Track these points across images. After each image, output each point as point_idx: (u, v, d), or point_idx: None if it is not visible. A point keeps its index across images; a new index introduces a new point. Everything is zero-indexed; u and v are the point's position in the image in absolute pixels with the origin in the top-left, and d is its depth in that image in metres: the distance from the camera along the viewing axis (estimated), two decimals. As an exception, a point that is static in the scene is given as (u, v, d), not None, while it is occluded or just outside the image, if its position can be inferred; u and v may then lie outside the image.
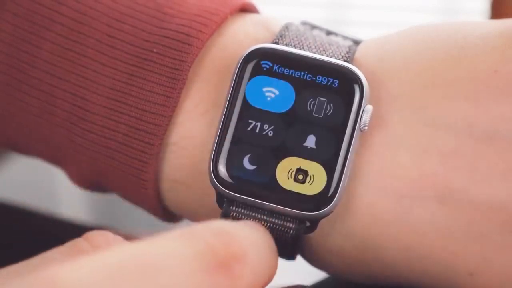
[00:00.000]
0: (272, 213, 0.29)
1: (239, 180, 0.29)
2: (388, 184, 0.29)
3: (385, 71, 0.30)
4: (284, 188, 0.29)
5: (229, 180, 0.29)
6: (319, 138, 0.29)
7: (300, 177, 0.29)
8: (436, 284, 0.30)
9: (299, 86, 0.30)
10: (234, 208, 0.30)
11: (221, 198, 0.30)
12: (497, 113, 0.28)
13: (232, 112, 0.30)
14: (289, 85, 0.30)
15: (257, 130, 0.29)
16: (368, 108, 0.29)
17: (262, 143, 0.29)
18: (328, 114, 0.29)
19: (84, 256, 0.22)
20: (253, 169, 0.29)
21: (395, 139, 0.29)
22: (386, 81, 0.30)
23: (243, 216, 0.30)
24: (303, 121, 0.29)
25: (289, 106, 0.30)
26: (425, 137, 0.29)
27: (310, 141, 0.29)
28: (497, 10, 1.00)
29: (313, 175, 0.29)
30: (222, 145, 0.29)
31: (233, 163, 0.29)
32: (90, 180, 0.33)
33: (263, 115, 0.30)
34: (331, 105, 0.29)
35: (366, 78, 0.29)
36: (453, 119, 0.28)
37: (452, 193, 0.28)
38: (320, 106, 0.29)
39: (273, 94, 0.30)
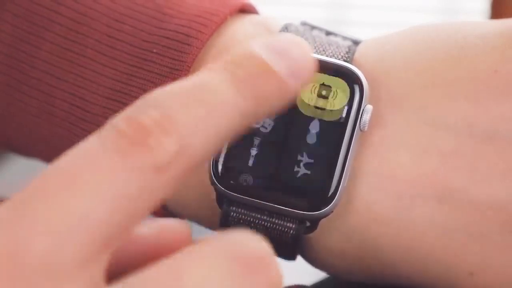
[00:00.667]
0: (272, 213, 0.29)
1: (239, 179, 0.29)
2: (388, 183, 0.29)
3: (385, 71, 0.30)
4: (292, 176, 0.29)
5: (229, 180, 0.29)
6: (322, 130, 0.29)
7: (324, 92, 0.29)
8: (436, 284, 0.30)
9: None
10: (234, 209, 0.30)
11: (221, 198, 0.30)
12: (497, 113, 0.28)
13: None
14: None
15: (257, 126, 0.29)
16: (368, 108, 0.29)
17: (264, 139, 0.29)
18: None
19: None
20: (254, 166, 0.29)
21: (395, 138, 0.29)
22: (386, 81, 0.30)
23: (243, 216, 0.30)
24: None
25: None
26: (425, 137, 0.29)
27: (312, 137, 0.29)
28: (497, 10, 1.00)
29: (336, 90, 0.29)
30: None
31: (233, 162, 0.29)
32: None
33: None
34: None
35: (365, 78, 0.29)
36: (453, 119, 0.28)
37: (452, 193, 0.28)
38: None
39: None
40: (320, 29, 0.33)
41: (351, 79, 0.29)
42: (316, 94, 0.29)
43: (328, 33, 0.32)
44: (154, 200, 0.22)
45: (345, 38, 0.32)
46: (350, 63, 0.30)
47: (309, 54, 0.23)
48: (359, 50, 0.31)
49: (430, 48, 0.30)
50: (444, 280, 0.29)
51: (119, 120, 0.22)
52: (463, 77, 0.29)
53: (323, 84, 0.29)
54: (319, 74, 0.29)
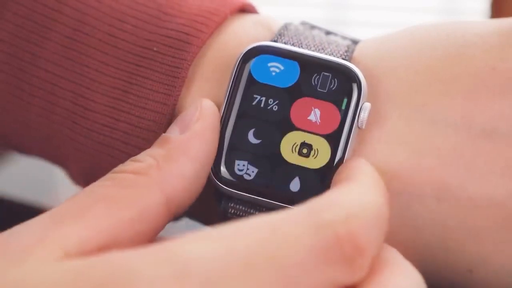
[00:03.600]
0: (270, 210, 0.29)
1: (239, 177, 0.29)
2: (386, 181, 0.29)
3: (383, 69, 0.30)
4: (288, 162, 0.29)
5: (229, 177, 0.29)
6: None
7: (305, 151, 0.29)
8: (435, 281, 0.30)
9: None
10: (232, 205, 0.30)
11: (219, 195, 0.30)
12: (495, 111, 0.28)
13: (231, 109, 0.30)
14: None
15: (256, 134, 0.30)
16: (366, 106, 0.29)
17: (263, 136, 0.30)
18: None
19: (206, 235, 0.23)
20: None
21: (393, 136, 0.29)
22: (384, 79, 0.30)
23: (241, 213, 0.30)
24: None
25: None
26: (423, 134, 0.29)
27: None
28: (497, 10, 1.00)
29: (317, 149, 0.29)
30: (222, 145, 0.30)
31: (233, 160, 0.29)
32: (91, 179, 0.33)
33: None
34: None
35: (364, 76, 0.30)
36: (452, 116, 0.29)
37: (450, 190, 0.28)
38: None
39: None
40: (319, 28, 0.33)
41: (350, 77, 0.29)
42: (297, 153, 0.29)
43: (328, 33, 0.33)
44: None
45: (344, 37, 0.32)
46: (349, 62, 0.30)
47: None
48: (358, 49, 0.31)
49: (429, 46, 0.30)
50: (443, 277, 0.29)
51: (340, 229, 0.23)
52: (462, 75, 0.29)
53: (304, 143, 0.29)
54: (301, 132, 0.29)
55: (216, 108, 0.30)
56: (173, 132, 0.29)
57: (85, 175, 0.33)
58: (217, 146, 0.29)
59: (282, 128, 0.29)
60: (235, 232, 0.23)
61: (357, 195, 0.25)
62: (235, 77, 0.30)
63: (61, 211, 0.26)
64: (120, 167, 0.28)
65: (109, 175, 0.28)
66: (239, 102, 0.30)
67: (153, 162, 0.28)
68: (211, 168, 0.29)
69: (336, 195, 0.25)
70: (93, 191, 0.27)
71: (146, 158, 0.28)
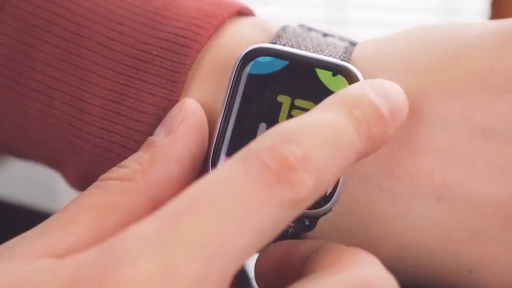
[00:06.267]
0: None
1: None
2: (385, 182, 0.29)
3: (381, 71, 0.30)
4: None
5: None
6: None
7: None
8: (436, 282, 0.30)
9: None
10: None
11: None
12: (494, 111, 0.28)
13: (232, 108, 0.30)
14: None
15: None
16: None
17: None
18: None
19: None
20: None
21: (393, 137, 0.29)
22: None
23: None
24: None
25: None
26: (422, 135, 0.29)
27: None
28: (497, 10, 1.00)
29: None
30: (221, 146, 0.29)
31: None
32: (88, 182, 0.33)
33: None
34: None
35: (363, 77, 0.29)
36: (450, 116, 0.29)
37: (450, 190, 0.28)
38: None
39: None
40: (317, 31, 0.33)
41: (349, 78, 0.29)
42: None
43: (325, 35, 0.33)
44: (279, 232, 0.24)
45: (342, 39, 0.32)
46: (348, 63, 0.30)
47: (405, 99, 0.27)
48: (356, 51, 0.31)
49: (426, 48, 0.30)
50: (444, 278, 0.29)
51: (261, 152, 0.24)
52: (460, 75, 0.29)
53: None
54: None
55: (200, 107, 0.30)
56: (159, 134, 0.29)
57: (82, 179, 0.33)
58: (205, 145, 0.29)
59: None
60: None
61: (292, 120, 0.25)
62: (234, 79, 0.30)
63: (51, 221, 0.26)
64: (107, 174, 0.28)
65: (96, 183, 0.28)
66: (239, 104, 0.30)
67: (138, 168, 0.28)
68: (210, 170, 0.29)
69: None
70: (81, 200, 0.27)
71: (131, 164, 0.28)
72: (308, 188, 0.23)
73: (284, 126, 0.25)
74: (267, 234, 0.24)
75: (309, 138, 0.24)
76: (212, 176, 0.24)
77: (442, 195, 0.28)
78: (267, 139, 0.24)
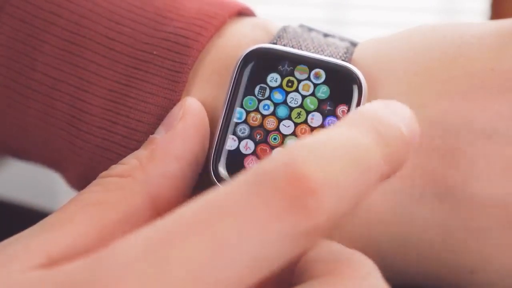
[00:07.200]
0: None
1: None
2: (387, 182, 0.29)
3: (382, 71, 0.30)
4: None
5: (229, 179, 0.29)
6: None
7: None
8: (437, 282, 0.30)
9: None
10: None
11: None
12: (494, 111, 0.28)
13: (233, 111, 0.30)
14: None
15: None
16: None
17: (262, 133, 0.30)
18: None
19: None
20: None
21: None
22: (383, 81, 0.30)
23: None
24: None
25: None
26: (423, 135, 0.29)
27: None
28: (497, 10, 1.00)
29: None
30: (223, 146, 0.30)
31: (232, 161, 0.29)
32: (88, 182, 0.33)
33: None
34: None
35: (364, 77, 0.29)
36: (451, 117, 0.29)
37: (451, 190, 0.28)
38: None
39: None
40: (317, 31, 0.33)
41: (350, 79, 0.29)
42: None
43: (326, 35, 0.33)
44: (289, 261, 0.21)
45: (342, 39, 0.32)
46: (349, 63, 0.30)
47: (415, 120, 0.24)
48: (357, 51, 0.31)
49: (427, 48, 0.30)
50: (445, 278, 0.29)
51: (277, 171, 0.21)
52: (460, 76, 0.29)
53: None
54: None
55: (201, 106, 0.30)
56: (160, 133, 0.29)
57: (82, 179, 0.33)
58: (206, 144, 0.29)
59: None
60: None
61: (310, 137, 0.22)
62: (236, 79, 0.30)
63: (50, 220, 0.26)
64: (106, 171, 0.28)
65: (96, 181, 0.28)
66: (240, 104, 0.30)
67: (137, 164, 0.28)
68: (211, 169, 0.29)
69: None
70: (80, 199, 0.27)
71: (130, 161, 0.28)
72: (325, 214, 0.21)
73: (303, 143, 0.22)
74: (276, 265, 0.21)
75: (330, 159, 0.21)
76: (216, 198, 0.21)
77: (443, 195, 0.28)
78: (283, 155, 0.21)
